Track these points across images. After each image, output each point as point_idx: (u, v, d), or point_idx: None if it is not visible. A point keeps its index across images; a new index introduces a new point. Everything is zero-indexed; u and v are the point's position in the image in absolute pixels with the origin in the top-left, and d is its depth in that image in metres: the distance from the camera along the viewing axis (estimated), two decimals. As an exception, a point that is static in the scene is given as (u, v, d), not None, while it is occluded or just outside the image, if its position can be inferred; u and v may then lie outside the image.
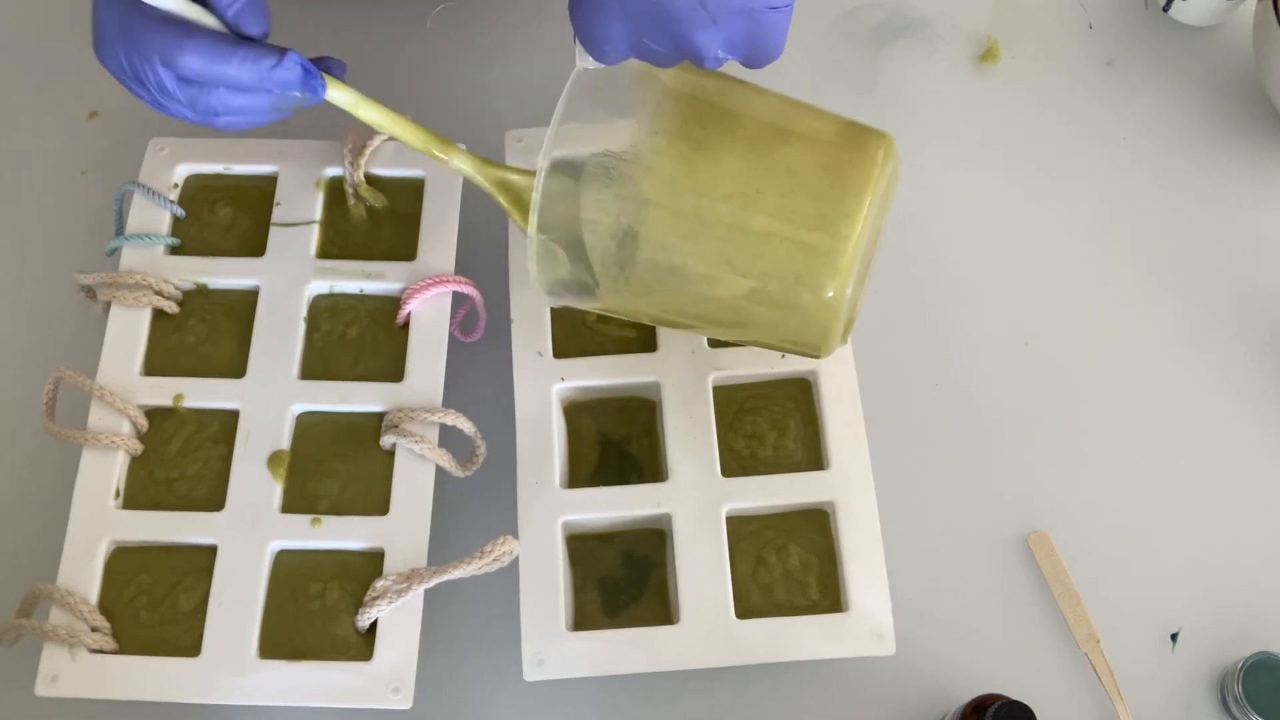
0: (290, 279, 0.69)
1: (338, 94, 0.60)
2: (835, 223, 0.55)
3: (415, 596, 0.60)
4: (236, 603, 0.61)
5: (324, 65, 0.60)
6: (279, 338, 0.67)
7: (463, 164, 0.63)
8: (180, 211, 0.71)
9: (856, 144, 0.57)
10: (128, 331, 0.67)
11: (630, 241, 0.58)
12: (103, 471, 0.63)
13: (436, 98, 0.81)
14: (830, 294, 0.56)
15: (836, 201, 0.55)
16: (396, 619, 0.60)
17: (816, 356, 0.60)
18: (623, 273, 0.58)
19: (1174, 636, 0.66)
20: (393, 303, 0.69)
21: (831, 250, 0.55)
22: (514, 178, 0.63)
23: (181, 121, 0.58)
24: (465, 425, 0.65)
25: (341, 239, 0.71)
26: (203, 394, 0.66)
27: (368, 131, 0.71)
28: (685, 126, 0.57)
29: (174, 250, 0.70)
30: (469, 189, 0.72)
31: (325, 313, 0.69)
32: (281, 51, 0.57)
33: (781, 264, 0.56)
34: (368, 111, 0.61)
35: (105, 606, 0.61)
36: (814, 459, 0.65)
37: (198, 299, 0.69)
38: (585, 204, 0.57)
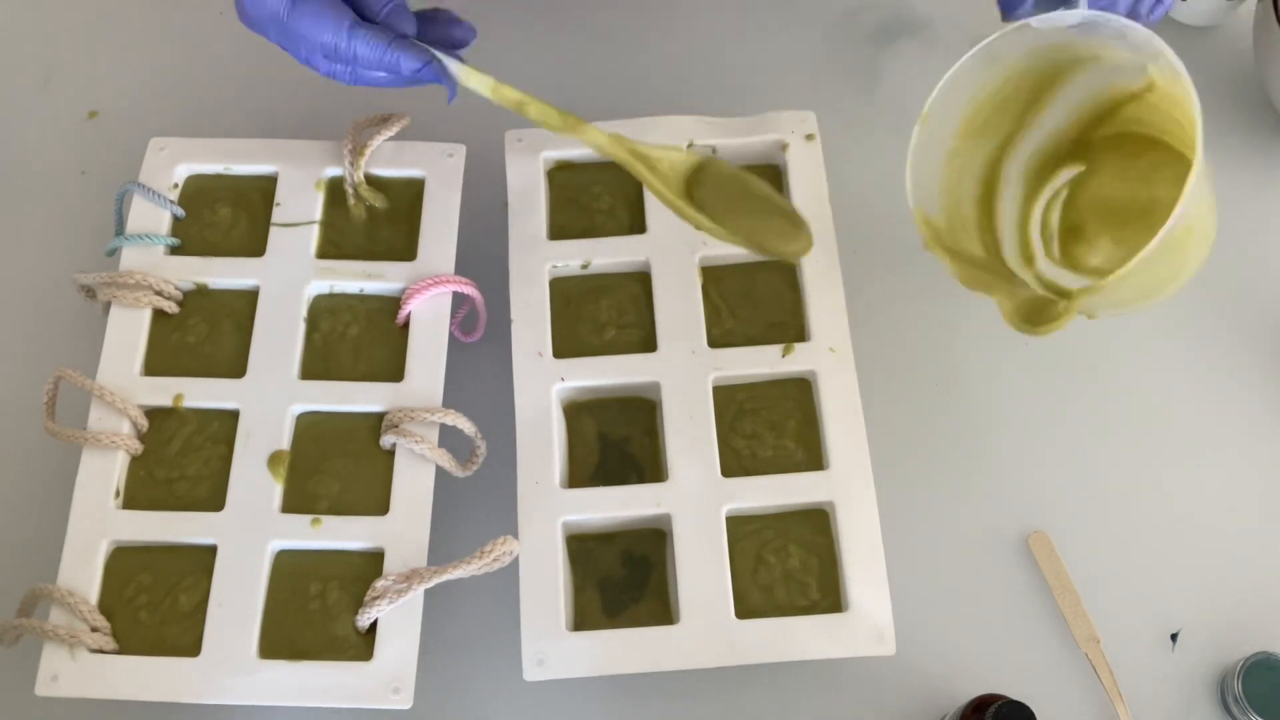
0: (290, 279, 0.69)
1: (473, 83, 0.62)
2: None
3: (415, 596, 0.60)
4: (236, 603, 0.61)
5: (456, 39, 0.64)
6: (279, 338, 0.67)
7: (596, 139, 0.63)
8: (180, 211, 0.71)
9: None
10: (128, 331, 0.67)
11: None
12: (103, 471, 0.63)
13: (436, 97, 0.81)
14: None
15: None
16: (396, 619, 0.60)
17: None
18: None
19: (1174, 636, 0.66)
20: (393, 303, 0.69)
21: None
22: (651, 150, 0.64)
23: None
24: (465, 425, 0.65)
25: (341, 239, 0.71)
26: (203, 394, 0.66)
27: (367, 132, 0.72)
28: None
29: (174, 250, 0.70)
30: (469, 189, 0.72)
31: (325, 313, 0.69)
32: (421, 52, 0.61)
33: None
34: (509, 92, 0.63)
35: (105, 606, 0.61)
36: (814, 459, 0.65)
37: (198, 299, 0.69)
38: None
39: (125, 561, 0.62)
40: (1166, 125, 0.66)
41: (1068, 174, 0.71)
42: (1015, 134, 0.70)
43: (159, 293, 0.68)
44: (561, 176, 0.73)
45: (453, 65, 0.62)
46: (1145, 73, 0.63)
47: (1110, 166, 0.70)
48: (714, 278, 0.70)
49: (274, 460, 0.64)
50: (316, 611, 0.61)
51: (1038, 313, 0.63)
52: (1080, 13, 0.60)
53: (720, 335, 0.68)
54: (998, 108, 0.68)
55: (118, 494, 0.63)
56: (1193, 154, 0.61)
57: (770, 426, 0.66)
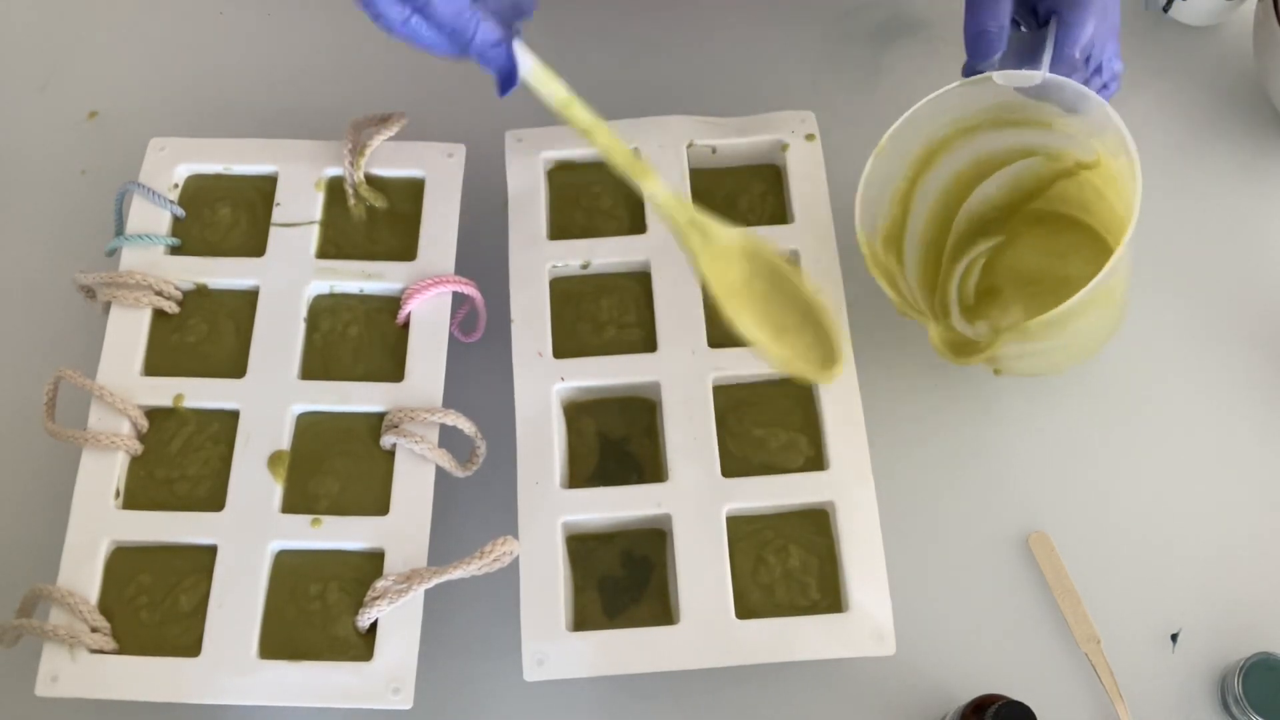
0: (290, 279, 0.69)
1: (542, 90, 0.56)
2: None
3: (415, 596, 0.60)
4: (236, 603, 0.61)
5: (522, 5, 0.57)
6: (279, 338, 0.67)
7: (656, 191, 0.60)
8: (180, 211, 0.71)
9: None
10: (128, 331, 0.67)
11: None
12: (103, 471, 0.63)
13: (436, 98, 0.81)
14: None
15: None
16: (396, 619, 0.60)
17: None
18: None
19: (1174, 636, 0.66)
20: (393, 303, 0.69)
21: None
22: (711, 223, 0.61)
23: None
24: (465, 425, 0.65)
25: (341, 239, 0.71)
26: (203, 394, 0.66)
27: (367, 132, 0.72)
28: None
29: (174, 250, 0.70)
30: (468, 189, 0.72)
31: (325, 313, 0.69)
32: (501, 29, 0.55)
33: None
34: (579, 111, 0.58)
35: (105, 606, 0.61)
36: (814, 459, 0.65)
37: (198, 299, 0.69)
38: None
39: (125, 561, 0.62)
40: (1094, 206, 0.70)
41: (986, 244, 0.74)
42: (957, 193, 0.73)
43: (159, 293, 0.68)
44: (561, 176, 0.73)
45: (527, 59, 0.56)
46: (1090, 147, 0.66)
47: (1030, 240, 0.74)
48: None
49: (274, 460, 0.64)
50: (316, 612, 0.61)
51: (963, 346, 0.66)
52: (1043, 74, 0.63)
53: (720, 335, 0.68)
54: (949, 155, 0.70)
55: (118, 494, 0.64)
56: (1111, 236, 0.68)
57: (770, 426, 0.66)
